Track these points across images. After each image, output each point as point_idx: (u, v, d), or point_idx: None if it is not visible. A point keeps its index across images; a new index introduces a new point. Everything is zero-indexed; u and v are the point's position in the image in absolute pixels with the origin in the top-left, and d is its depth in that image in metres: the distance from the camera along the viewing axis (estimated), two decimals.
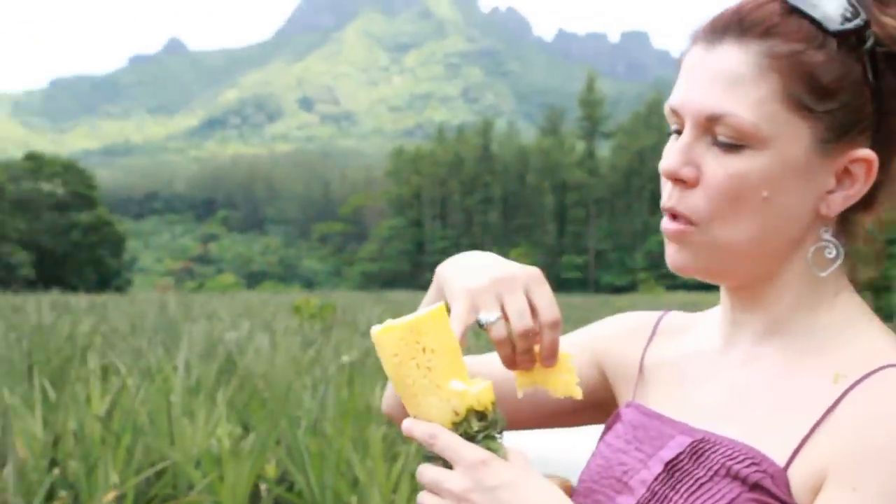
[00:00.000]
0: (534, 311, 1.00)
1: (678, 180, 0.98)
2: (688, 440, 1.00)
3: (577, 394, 1.02)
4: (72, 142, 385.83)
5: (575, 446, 1.58)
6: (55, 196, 78.40)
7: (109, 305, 22.88)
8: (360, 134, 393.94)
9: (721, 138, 0.96)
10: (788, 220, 0.97)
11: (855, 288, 1.03)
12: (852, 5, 0.95)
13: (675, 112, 1.00)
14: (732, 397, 1.02)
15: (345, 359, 9.19)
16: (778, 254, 1.00)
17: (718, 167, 0.96)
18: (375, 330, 0.94)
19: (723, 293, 1.08)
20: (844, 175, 0.97)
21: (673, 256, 1.01)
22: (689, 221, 0.98)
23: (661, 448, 1.03)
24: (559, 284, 68.18)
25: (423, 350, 0.93)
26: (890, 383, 0.90)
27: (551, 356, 1.01)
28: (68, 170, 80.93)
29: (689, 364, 1.11)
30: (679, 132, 1.00)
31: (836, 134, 0.95)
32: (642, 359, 1.18)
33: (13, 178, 75.68)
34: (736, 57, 0.95)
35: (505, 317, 0.99)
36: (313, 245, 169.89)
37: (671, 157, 0.99)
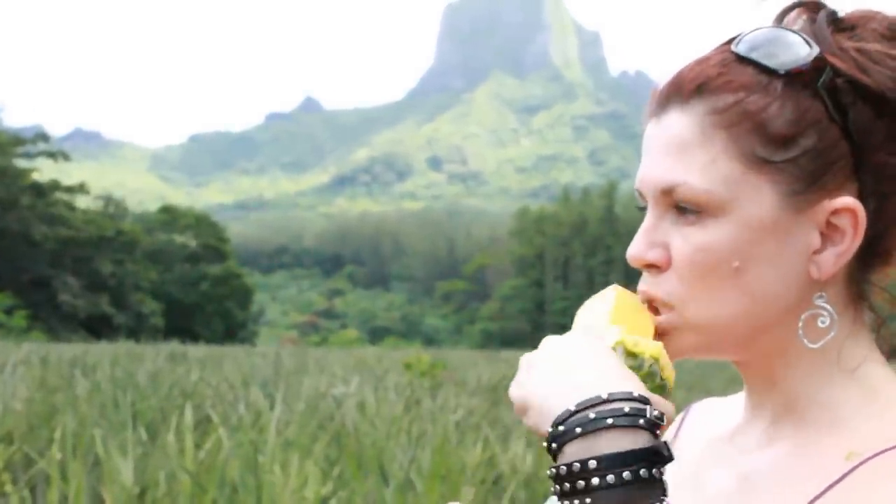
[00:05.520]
0: None
1: (648, 265, 0.92)
2: None
3: None
4: (207, 196, 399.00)
5: None
6: (187, 248, 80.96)
7: (227, 356, 23.19)
8: (487, 194, 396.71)
9: (682, 211, 0.89)
10: (774, 289, 0.87)
11: (885, 357, 0.92)
12: (806, 41, 0.87)
13: (639, 193, 0.94)
14: (741, 486, 0.92)
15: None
16: (776, 327, 0.90)
17: (684, 243, 0.88)
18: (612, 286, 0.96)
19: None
20: (830, 230, 0.87)
21: None
22: (665, 307, 0.91)
23: None
24: None
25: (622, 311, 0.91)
26: None
27: None
28: (201, 223, 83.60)
29: (707, 449, 1.02)
30: None
31: (806, 184, 0.86)
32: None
33: (148, 230, 78.39)
34: (679, 122, 0.89)
35: None
36: (436, 303, 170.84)
37: (634, 242, 0.92)
